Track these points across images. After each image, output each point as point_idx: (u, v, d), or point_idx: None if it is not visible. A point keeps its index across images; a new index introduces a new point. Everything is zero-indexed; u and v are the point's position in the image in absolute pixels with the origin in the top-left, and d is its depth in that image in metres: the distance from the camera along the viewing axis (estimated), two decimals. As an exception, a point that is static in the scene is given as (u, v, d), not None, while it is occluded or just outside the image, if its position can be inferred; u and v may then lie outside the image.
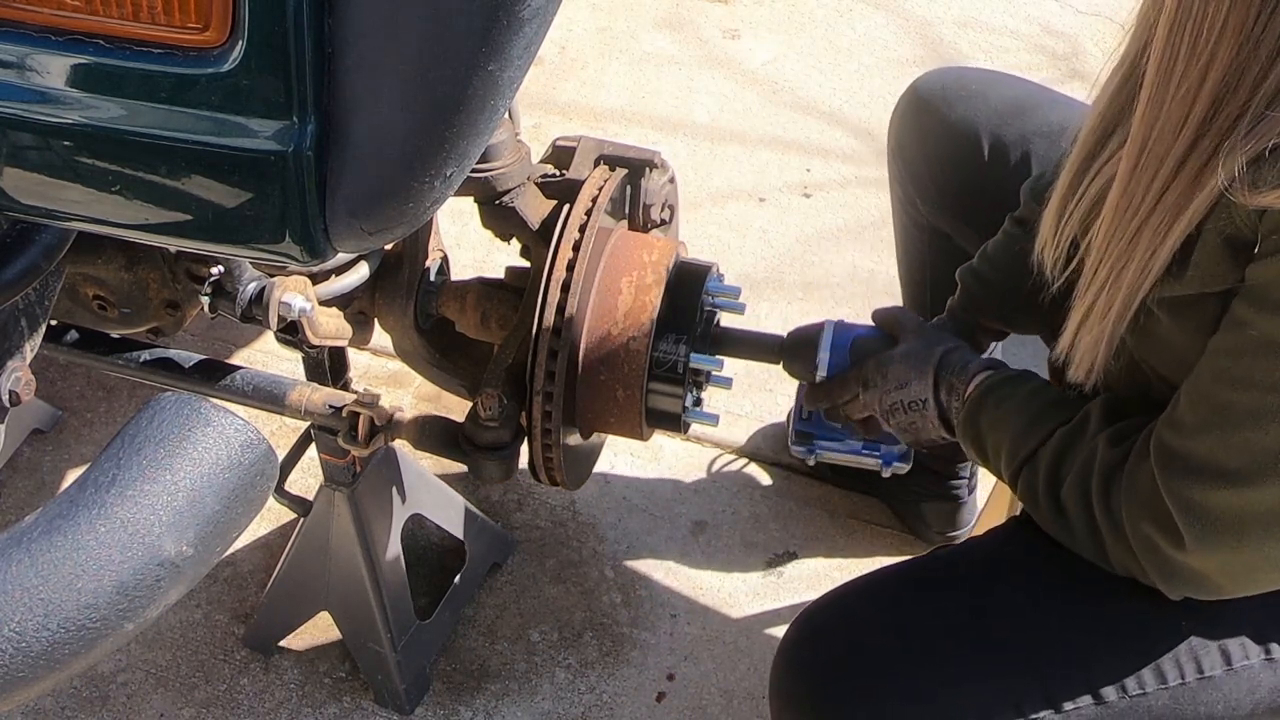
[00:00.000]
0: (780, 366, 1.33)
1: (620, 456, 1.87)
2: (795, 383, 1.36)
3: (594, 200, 1.26)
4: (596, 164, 1.33)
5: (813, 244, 2.24)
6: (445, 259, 1.39)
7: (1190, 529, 0.91)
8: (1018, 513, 1.36)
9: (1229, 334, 0.91)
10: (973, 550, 1.14)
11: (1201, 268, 0.91)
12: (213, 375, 1.31)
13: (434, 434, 1.29)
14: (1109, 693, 1.00)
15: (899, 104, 1.51)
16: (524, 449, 1.29)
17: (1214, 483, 0.90)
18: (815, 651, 1.07)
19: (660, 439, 1.88)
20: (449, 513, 1.63)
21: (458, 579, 1.64)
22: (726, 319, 1.37)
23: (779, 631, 1.68)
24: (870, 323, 1.31)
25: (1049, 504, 1.03)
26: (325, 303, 1.28)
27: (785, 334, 1.33)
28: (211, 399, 0.94)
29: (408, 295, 1.33)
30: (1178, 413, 0.94)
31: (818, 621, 1.09)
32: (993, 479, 1.58)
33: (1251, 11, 0.81)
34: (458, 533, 1.64)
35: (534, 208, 1.30)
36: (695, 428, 1.42)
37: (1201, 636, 1.02)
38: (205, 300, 1.20)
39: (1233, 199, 0.86)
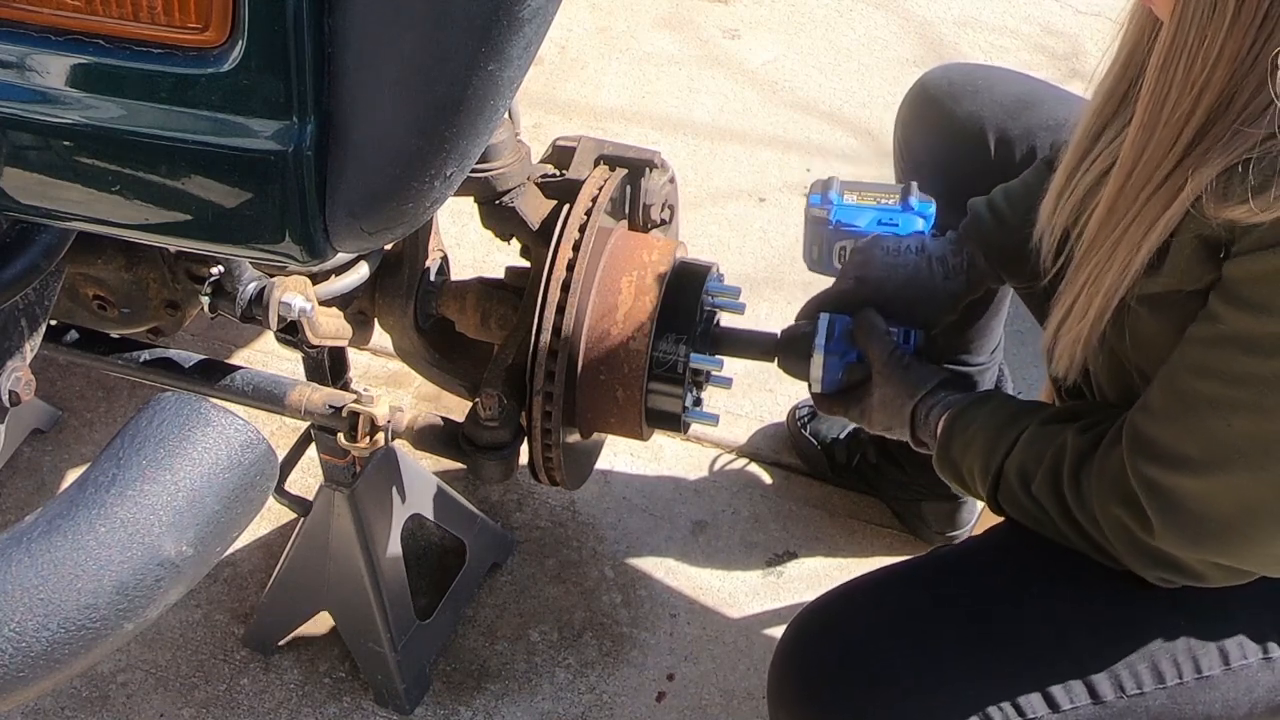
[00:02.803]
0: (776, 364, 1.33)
1: (620, 456, 1.87)
2: (795, 384, 1.36)
3: (594, 200, 1.26)
4: (596, 164, 1.33)
5: (813, 244, 2.24)
6: (445, 259, 1.39)
7: (1155, 512, 0.93)
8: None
9: (1202, 325, 0.92)
10: (970, 550, 1.15)
11: (1177, 267, 0.93)
12: (213, 375, 1.31)
13: (434, 434, 1.29)
14: (1107, 692, 1.00)
15: (905, 99, 1.52)
16: (524, 449, 1.29)
17: (1177, 469, 0.92)
18: (812, 652, 1.07)
19: (660, 439, 1.88)
20: (449, 513, 1.63)
21: (458, 579, 1.64)
22: (725, 318, 1.37)
23: (779, 631, 1.68)
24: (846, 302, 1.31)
25: (1025, 503, 1.05)
26: (325, 303, 1.28)
27: (780, 332, 1.33)
28: (211, 399, 0.94)
29: (408, 295, 1.33)
30: (1149, 397, 0.96)
31: (815, 623, 1.09)
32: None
33: (1247, 40, 0.83)
34: (458, 533, 1.64)
35: (534, 208, 1.30)
36: (695, 428, 1.42)
37: (1200, 636, 1.02)
38: (205, 300, 1.20)
39: (1199, 213, 0.87)
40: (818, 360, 1.26)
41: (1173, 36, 0.86)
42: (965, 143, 1.42)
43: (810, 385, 1.28)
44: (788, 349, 1.31)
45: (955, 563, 1.13)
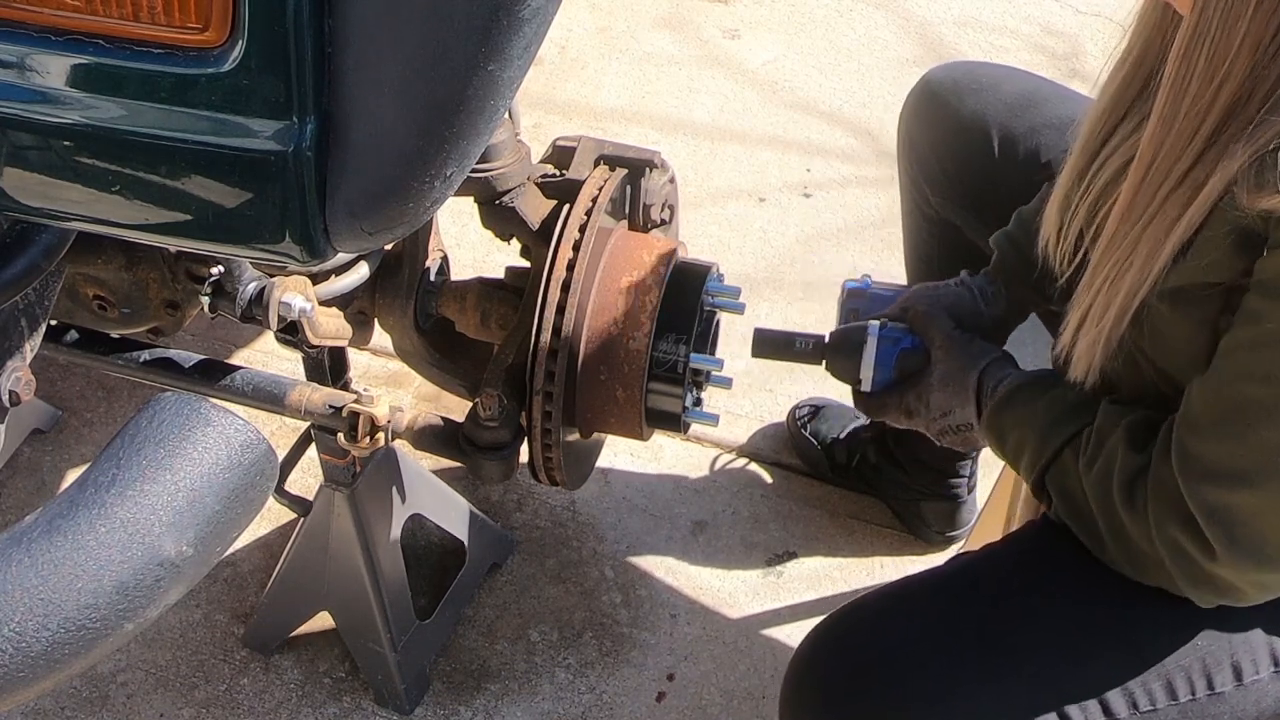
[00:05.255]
0: (822, 367, 1.29)
1: (620, 456, 1.87)
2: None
3: (594, 200, 1.26)
4: (596, 164, 1.33)
5: (813, 244, 2.24)
6: (445, 259, 1.39)
7: (1216, 535, 0.90)
8: (1018, 513, 1.36)
9: (1243, 329, 0.90)
10: (989, 561, 1.13)
11: (1207, 259, 0.91)
12: (213, 375, 1.31)
13: (434, 434, 1.29)
14: (1120, 709, 1.00)
15: (910, 97, 1.52)
16: (524, 449, 1.29)
17: (1234, 484, 0.89)
18: (830, 664, 1.06)
19: (660, 439, 1.88)
20: (449, 513, 1.63)
21: (458, 579, 1.64)
22: (763, 319, 1.33)
23: (779, 631, 1.69)
24: (898, 315, 1.27)
25: (1074, 509, 1.02)
26: (325, 303, 1.28)
27: (827, 335, 1.29)
28: (211, 399, 0.94)
29: (408, 295, 1.33)
30: (1192, 412, 0.93)
31: (833, 634, 1.08)
32: (993, 478, 1.58)
33: (1269, 28, 0.81)
34: (458, 533, 1.64)
35: (534, 208, 1.30)
36: (695, 428, 1.42)
37: (1215, 651, 1.01)
38: (205, 300, 1.20)
39: (1231, 206, 0.86)
40: (870, 346, 1.22)
41: (1195, 24, 0.84)
42: (969, 140, 1.42)
43: (860, 384, 1.24)
44: (837, 345, 1.27)
45: (973, 575, 1.11)
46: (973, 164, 1.42)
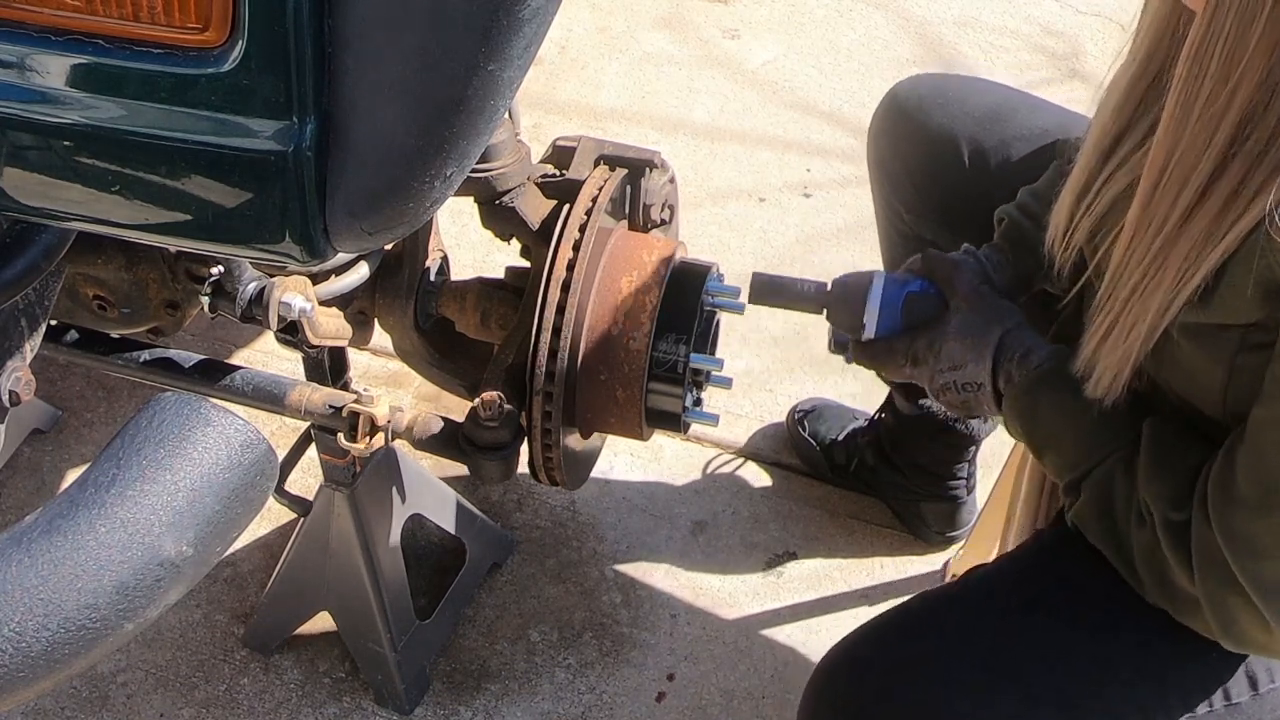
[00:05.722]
0: (824, 317, 1.23)
1: (620, 456, 1.87)
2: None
3: (594, 200, 1.26)
4: (596, 164, 1.33)
5: (813, 244, 2.24)
6: (445, 259, 1.39)
7: (1273, 610, 0.89)
8: (1018, 514, 1.35)
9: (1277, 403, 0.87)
10: (1006, 578, 1.11)
11: (1226, 301, 0.88)
12: (213, 375, 1.31)
13: (434, 434, 1.29)
14: None
15: (876, 115, 1.49)
16: (524, 449, 1.29)
17: None
18: (850, 682, 1.05)
19: (660, 439, 1.88)
20: (449, 513, 1.63)
21: (458, 579, 1.64)
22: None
23: (779, 631, 1.69)
24: (919, 270, 1.20)
25: (1110, 531, 1.01)
26: (325, 303, 1.28)
27: (829, 282, 1.23)
28: (211, 399, 0.94)
29: (408, 295, 1.34)
30: (1238, 489, 0.90)
31: (854, 653, 1.08)
32: (992, 479, 1.59)
33: None
34: (458, 533, 1.64)
35: (534, 208, 1.30)
36: (695, 428, 1.42)
37: (1229, 664, 1.01)
38: (205, 300, 1.20)
39: (1267, 249, 0.83)
40: (876, 287, 1.15)
41: (1209, 22, 0.81)
42: (939, 155, 1.39)
43: (864, 329, 1.17)
44: (839, 289, 1.20)
45: (989, 592, 1.09)
46: (943, 179, 1.39)
